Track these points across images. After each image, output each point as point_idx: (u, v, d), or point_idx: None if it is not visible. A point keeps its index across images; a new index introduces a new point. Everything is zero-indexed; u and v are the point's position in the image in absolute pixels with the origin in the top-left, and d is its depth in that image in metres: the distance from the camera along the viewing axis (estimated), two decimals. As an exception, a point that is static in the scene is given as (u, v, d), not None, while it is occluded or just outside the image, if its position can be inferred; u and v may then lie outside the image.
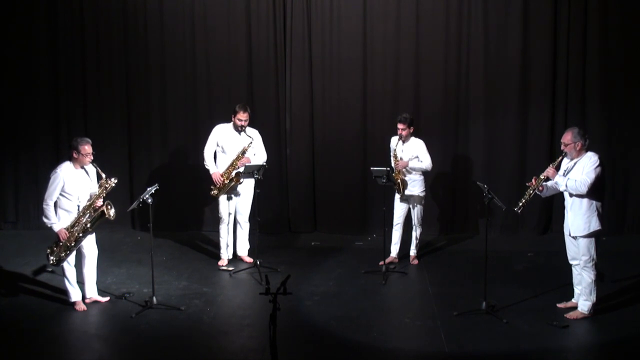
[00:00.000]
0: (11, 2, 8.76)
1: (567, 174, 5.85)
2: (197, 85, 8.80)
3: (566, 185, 5.77)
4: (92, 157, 6.15)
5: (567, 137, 5.85)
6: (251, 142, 7.27)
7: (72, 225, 6.12)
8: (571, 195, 5.82)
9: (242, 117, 7.23)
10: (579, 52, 8.37)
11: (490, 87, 8.52)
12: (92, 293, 6.44)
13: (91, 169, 6.25)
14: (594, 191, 5.72)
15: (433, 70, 8.55)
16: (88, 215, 6.14)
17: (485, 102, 8.54)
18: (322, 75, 8.70)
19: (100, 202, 6.15)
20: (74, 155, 6.12)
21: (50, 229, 6.12)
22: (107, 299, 6.48)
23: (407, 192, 7.29)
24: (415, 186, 7.33)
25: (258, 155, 7.38)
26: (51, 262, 6.14)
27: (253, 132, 7.39)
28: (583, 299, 5.93)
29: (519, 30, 8.37)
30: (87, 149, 6.11)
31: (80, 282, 6.37)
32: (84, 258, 6.32)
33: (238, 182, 7.27)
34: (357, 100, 8.68)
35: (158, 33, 8.74)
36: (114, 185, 6.21)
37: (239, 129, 7.29)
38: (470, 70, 8.52)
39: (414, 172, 7.28)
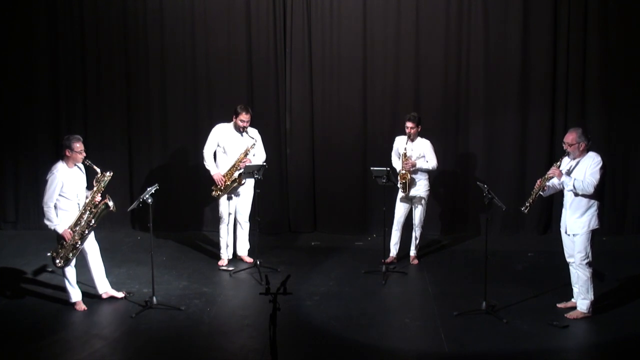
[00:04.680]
0: (11, 3, 8.76)
1: (569, 173, 5.85)
2: (197, 85, 8.80)
3: (574, 186, 5.78)
4: (84, 154, 6.15)
5: (571, 137, 5.84)
6: (254, 144, 7.25)
7: (75, 224, 6.12)
8: (577, 194, 5.82)
9: (244, 118, 7.21)
10: (579, 52, 8.36)
11: (490, 87, 8.52)
12: (106, 287, 6.44)
13: (82, 166, 6.26)
14: (597, 190, 5.75)
15: (433, 70, 8.56)
16: (89, 211, 6.15)
17: (485, 101, 8.54)
18: (322, 75, 8.70)
19: (99, 197, 6.17)
20: (67, 153, 6.10)
21: (54, 231, 6.09)
22: (122, 294, 6.48)
23: (412, 192, 7.29)
24: (420, 186, 7.34)
25: (258, 155, 7.37)
26: (58, 264, 6.12)
27: (253, 132, 7.37)
28: (581, 298, 5.94)
29: (519, 30, 8.37)
30: (79, 146, 6.11)
31: (82, 283, 6.36)
32: (87, 255, 6.32)
33: (240, 184, 7.26)
34: (357, 101, 8.68)
35: (158, 33, 8.74)
36: (109, 178, 6.21)
37: (241, 130, 7.27)
38: (470, 70, 8.52)
39: (419, 172, 7.29)
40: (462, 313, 6.03)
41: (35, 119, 8.91)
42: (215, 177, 7.30)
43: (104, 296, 6.42)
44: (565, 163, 5.95)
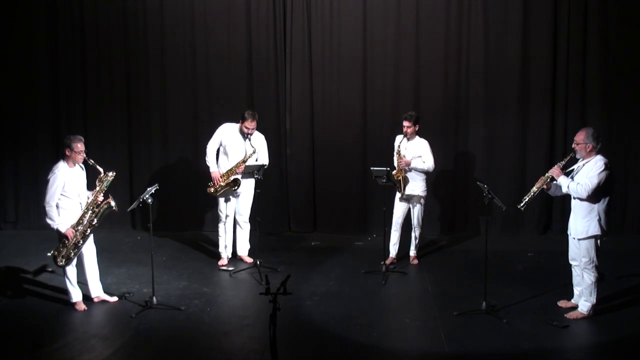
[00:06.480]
0: (11, 3, 8.76)
1: (575, 174, 5.83)
2: (197, 85, 8.81)
3: (568, 187, 5.76)
4: (84, 155, 6.15)
5: (580, 137, 5.81)
6: (253, 153, 7.23)
7: (78, 223, 6.12)
8: (574, 197, 5.82)
9: (250, 125, 7.18)
10: (579, 52, 8.37)
11: (490, 87, 8.52)
12: (99, 292, 6.43)
13: (83, 165, 6.26)
14: (597, 196, 5.68)
15: (433, 70, 8.56)
16: (91, 211, 6.15)
17: (485, 101, 8.54)
18: (322, 75, 8.70)
19: (101, 197, 6.19)
20: (67, 152, 6.10)
21: (56, 230, 6.08)
22: (115, 299, 6.47)
23: (408, 191, 7.27)
24: (417, 186, 7.31)
25: (260, 160, 7.37)
26: (59, 263, 6.12)
27: (259, 137, 7.36)
28: (583, 300, 5.93)
29: (519, 30, 8.38)
30: (80, 146, 6.11)
31: (82, 283, 6.35)
32: (84, 257, 6.31)
33: (233, 189, 7.26)
34: (357, 100, 8.68)
35: (158, 33, 8.75)
36: (112, 178, 6.22)
37: (245, 136, 7.27)
38: (470, 70, 8.53)
39: (414, 172, 7.28)
40: (462, 313, 6.03)
41: (35, 119, 8.92)
42: (213, 175, 7.30)
43: (96, 300, 6.40)
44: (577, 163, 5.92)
